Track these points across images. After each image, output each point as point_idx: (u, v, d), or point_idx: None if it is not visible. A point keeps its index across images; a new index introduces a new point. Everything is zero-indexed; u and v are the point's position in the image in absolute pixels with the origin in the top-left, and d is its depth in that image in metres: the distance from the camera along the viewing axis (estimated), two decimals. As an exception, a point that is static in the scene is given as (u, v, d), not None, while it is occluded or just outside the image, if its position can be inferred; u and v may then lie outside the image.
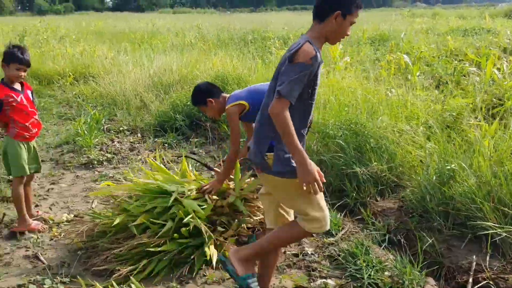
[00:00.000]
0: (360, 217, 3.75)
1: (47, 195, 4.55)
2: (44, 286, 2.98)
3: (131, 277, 2.84)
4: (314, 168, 2.23)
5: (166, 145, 6.05)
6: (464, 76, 6.92)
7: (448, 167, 3.45)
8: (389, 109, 4.90)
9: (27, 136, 3.71)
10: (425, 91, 5.80)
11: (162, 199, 3.34)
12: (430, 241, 3.11)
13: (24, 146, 3.70)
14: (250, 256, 2.54)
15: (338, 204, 3.96)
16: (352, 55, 9.35)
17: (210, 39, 13.97)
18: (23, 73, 3.59)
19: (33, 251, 3.44)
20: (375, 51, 10.69)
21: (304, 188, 2.23)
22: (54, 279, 3.04)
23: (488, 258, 2.93)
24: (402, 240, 3.25)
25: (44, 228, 3.77)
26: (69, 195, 4.54)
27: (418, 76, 6.66)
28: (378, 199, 3.94)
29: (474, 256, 2.95)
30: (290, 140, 2.20)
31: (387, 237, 3.38)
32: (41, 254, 3.39)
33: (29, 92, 3.74)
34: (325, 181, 2.29)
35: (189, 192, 3.34)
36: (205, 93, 3.58)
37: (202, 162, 4.20)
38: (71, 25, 24.80)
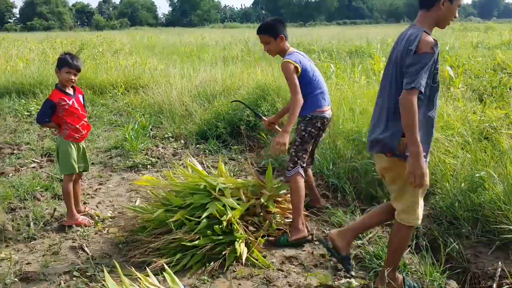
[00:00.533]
0: (389, 222, 3.79)
1: (95, 194, 4.87)
2: (87, 273, 3.24)
3: (166, 268, 3.02)
4: (425, 165, 2.36)
5: (207, 151, 6.29)
6: (511, 89, 6.79)
7: (478, 175, 3.46)
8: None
9: (77, 137, 4.01)
10: (465, 102, 5.76)
11: (200, 195, 3.54)
12: (454, 244, 3.14)
13: (74, 146, 4.01)
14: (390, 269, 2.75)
15: (369, 209, 4.02)
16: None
17: (257, 52, 14.24)
18: (73, 77, 3.89)
19: (79, 243, 3.72)
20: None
21: (409, 179, 2.38)
22: (96, 268, 3.29)
23: (514, 264, 2.93)
24: (427, 245, 3.29)
25: (90, 223, 4.05)
26: (114, 195, 4.85)
27: (459, 88, 6.61)
28: (409, 206, 3.97)
29: (500, 262, 2.96)
30: (413, 130, 2.34)
31: (414, 242, 3.42)
32: (86, 245, 3.66)
33: (80, 96, 4.05)
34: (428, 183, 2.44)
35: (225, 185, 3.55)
36: (282, 28, 3.73)
37: (252, 109, 4.39)
38: (126, 39, 25.87)
